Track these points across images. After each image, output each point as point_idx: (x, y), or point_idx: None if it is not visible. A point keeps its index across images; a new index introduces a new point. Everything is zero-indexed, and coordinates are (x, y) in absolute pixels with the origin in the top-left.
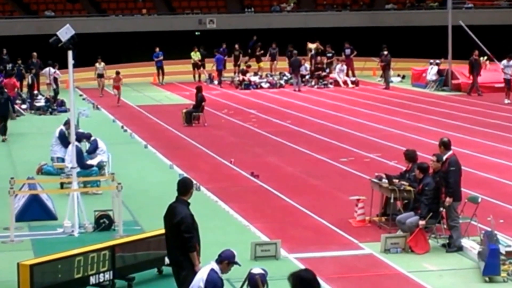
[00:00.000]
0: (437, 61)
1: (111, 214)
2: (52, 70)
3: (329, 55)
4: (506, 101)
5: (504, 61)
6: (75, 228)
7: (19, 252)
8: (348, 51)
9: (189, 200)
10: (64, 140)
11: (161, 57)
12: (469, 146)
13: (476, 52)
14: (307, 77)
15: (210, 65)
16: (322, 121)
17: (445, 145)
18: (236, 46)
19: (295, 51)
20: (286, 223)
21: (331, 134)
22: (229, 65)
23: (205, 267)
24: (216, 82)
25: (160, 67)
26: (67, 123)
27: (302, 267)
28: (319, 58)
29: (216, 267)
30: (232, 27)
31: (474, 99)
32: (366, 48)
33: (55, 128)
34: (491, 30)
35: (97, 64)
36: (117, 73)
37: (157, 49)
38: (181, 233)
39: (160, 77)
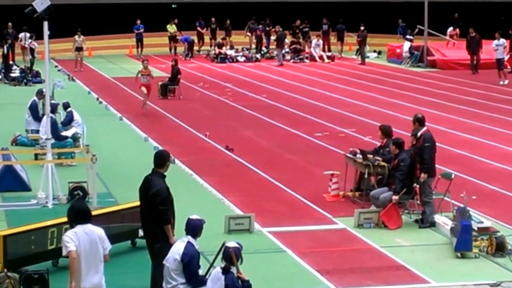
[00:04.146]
0: (410, 36)
1: (85, 186)
2: (28, 34)
3: (305, 30)
4: (501, 82)
5: (496, 40)
6: (49, 199)
7: None
8: (325, 27)
9: (165, 173)
10: (35, 112)
11: (142, 30)
12: (443, 123)
13: (471, 30)
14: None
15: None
16: (298, 95)
17: (420, 121)
18: (213, 19)
19: (278, 26)
20: (260, 197)
21: (306, 108)
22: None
23: (181, 240)
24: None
25: (139, 40)
26: (39, 93)
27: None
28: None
29: (192, 240)
30: (209, 0)
31: (447, 75)
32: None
33: (29, 99)
34: (472, 7)
35: (76, 37)
36: (145, 61)
37: (139, 22)
38: (156, 205)
39: (139, 50)
